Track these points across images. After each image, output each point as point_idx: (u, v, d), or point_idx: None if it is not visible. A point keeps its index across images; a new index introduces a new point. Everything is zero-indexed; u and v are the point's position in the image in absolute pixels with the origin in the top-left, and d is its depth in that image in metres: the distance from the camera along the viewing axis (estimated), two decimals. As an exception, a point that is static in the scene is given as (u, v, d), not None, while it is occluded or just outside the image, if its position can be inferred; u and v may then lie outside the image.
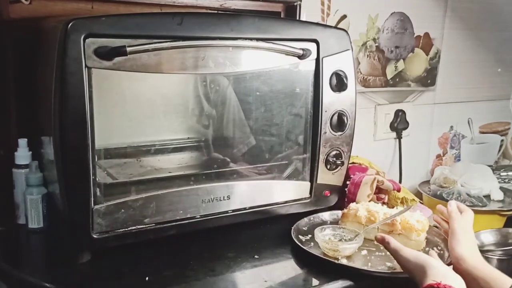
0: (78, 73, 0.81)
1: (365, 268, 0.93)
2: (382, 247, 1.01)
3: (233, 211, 1.04)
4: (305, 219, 1.11)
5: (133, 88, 0.99)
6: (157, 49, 0.86)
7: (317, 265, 0.95)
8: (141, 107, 1.07)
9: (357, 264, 0.94)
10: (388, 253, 0.98)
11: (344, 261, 0.94)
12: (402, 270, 0.88)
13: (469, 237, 0.95)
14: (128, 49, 0.82)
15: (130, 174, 1.03)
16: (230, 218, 1.04)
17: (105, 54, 0.83)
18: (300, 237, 1.04)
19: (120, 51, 0.82)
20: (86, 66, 0.82)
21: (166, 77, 0.99)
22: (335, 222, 1.11)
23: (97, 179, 0.89)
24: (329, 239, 1.00)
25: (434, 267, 0.81)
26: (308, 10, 1.38)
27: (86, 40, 0.81)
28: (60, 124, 0.82)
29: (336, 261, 0.94)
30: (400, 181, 1.65)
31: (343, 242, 0.99)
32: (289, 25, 1.05)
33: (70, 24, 0.80)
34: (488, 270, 0.87)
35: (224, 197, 1.03)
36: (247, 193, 1.06)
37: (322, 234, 1.00)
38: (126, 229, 0.92)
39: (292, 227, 1.06)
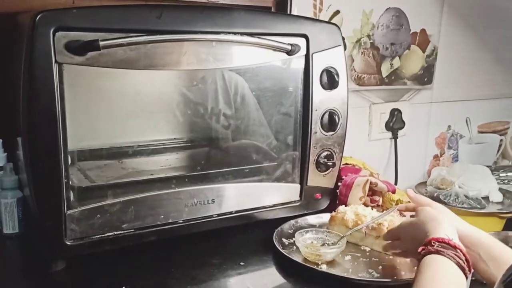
0: (48, 68, 0.76)
1: (344, 275, 0.88)
2: (367, 253, 0.97)
3: (219, 215, 0.99)
4: (292, 222, 1.06)
5: (111, 85, 0.94)
6: (133, 43, 0.81)
7: (299, 271, 0.90)
8: (121, 106, 1.02)
9: (338, 270, 0.89)
10: (373, 259, 0.95)
11: (324, 267, 0.90)
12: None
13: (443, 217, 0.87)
14: (101, 43, 0.77)
15: (110, 177, 0.98)
16: (215, 223, 0.99)
17: (77, 48, 0.77)
18: (284, 240, 1.00)
19: (93, 46, 0.77)
20: (56, 61, 0.77)
21: (147, 74, 0.94)
22: (323, 225, 1.06)
23: (70, 183, 0.83)
24: (311, 243, 0.96)
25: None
26: (300, 5, 1.33)
27: (56, 33, 0.76)
28: (28, 123, 0.77)
29: (315, 267, 0.89)
30: (396, 183, 1.60)
31: (325, 247, 0.95)
32: (276, 19, 1.00)
33: (39, 17, 0.75)
34: (484, 237, 0.83)
35: (208, 200, 0.98)
36: (234, 196, 1.01)
37: (303, 238, 0.96)
38: (103, 235, 0.87)
39: (276, 230, 1.01)
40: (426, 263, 0.75)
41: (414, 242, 0.82)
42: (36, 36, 0.74)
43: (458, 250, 0.76)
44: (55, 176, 0.80)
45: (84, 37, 0.78)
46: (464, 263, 0.75)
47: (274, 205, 1.06)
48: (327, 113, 1.05)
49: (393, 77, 1.59)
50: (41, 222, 0.82)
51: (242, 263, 0.93)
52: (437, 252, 0.75)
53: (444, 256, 0.74)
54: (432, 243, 0.76)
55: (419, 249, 0.77)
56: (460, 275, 0.73)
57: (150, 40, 0.82)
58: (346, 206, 1.08)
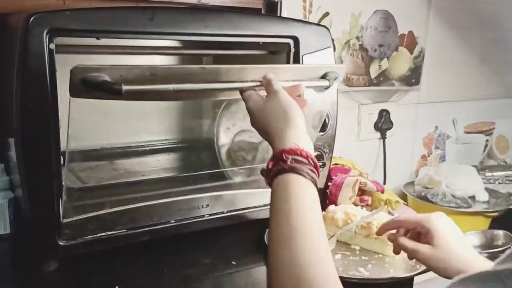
0: (41, 70, 0.76)
1: None
2: (357, 251, 0.98)
3: (211, 215, 1.00)
4: None
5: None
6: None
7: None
8: (114, 107, 1.03)
9: None
10: (362, 257, 0.96)
11: None
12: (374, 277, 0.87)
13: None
14: (124, 88, 0.77)
15: (102, 178, 0.99)
16: (207, 223, 1.00)
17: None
18: None
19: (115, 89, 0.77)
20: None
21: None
22: None
23: (63, 183, 0.84)
24: None
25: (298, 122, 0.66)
26: (290, 7, 1.34)
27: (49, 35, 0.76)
28: (22, 124, 0.77)
29: None
30: (384, 182, 1.62)
31: None
32: (267, 21, 1.01)
33: (32, 19, 0.75)
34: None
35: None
36: (226, 196, 1.01)
37: None
38: (95, 236, 0.87)
39: (267, 229, 1.02)
40: (282, 187, 0.61)
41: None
42: (29, 38, 0.75)
43: (310, 160, 0.63)
44: (48, 177, 0.80)
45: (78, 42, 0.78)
46: (317, 176, 0.63)
47: (265, 205, 1.06)
48: (318, 114, 1.06)
49: (381, 78, 1.61)
50: (34, 222, 0.82)
51: (233, 262, 0.94)
52: (293, 171, 0.61)
53: (302, 175, 0.61)
54: (285, 158, 0.61)
55: (269, 165, 0.63)
56: (315, 193, 0.62)
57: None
58: (336, 205, 1.09)
